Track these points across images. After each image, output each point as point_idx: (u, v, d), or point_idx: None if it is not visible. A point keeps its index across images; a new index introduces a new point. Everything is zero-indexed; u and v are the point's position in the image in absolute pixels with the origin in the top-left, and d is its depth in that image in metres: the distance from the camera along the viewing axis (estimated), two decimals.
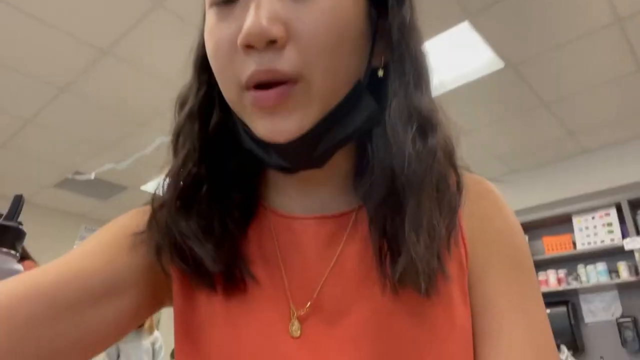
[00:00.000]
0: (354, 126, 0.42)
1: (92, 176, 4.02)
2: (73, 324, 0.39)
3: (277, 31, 0.37)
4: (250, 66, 0.38)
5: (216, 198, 0.45)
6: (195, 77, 0.47)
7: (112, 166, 3.87)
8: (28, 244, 2.35)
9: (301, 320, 0.43)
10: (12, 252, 0.52)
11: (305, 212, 0.47)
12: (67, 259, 0.43)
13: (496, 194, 0.50)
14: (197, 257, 0.43)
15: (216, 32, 0.40)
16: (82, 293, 0.40)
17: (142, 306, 0.46)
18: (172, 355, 3.73)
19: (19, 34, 2.57)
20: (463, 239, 0.45)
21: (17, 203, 0.55)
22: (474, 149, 3.75)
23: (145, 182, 4.46)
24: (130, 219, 0.48)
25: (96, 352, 0.43)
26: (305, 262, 0.45)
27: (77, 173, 4.22)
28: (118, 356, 3.91)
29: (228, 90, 0.42)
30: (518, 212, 3.83)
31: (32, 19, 2.45)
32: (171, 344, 4.10)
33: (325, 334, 0.42)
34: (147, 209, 0.47)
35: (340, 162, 0.46)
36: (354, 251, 0.44)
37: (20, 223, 0.55)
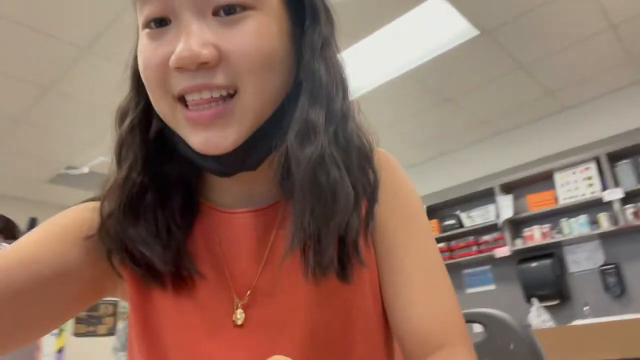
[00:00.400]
0: (281, 134, 0.47)
1: (86, 170, 4.08)
2: (17, 307, 0.43)
3: (207, 53, 0.41)
4: (182, 83, 0.42)
5: (160, 203, 0.49)
6: (133, 91, 0.51)
7: (103, 159, 3.93)
8: None
9: (244, 308, 0.48)
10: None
11: (241, 207, 0.51)
12: (16, 246, 0.46)
13: (391, 162, 0.57)
14: (147, 259, 0.47)
15: (148, 53, 0.44)
16: (28, 280, 0.44)
17: (85, 296, 0.50)
18: None
19: (1, 37, 2.60)
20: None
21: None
22: (458, 115, 3.85)
23: None
24: (79, 213, 0.52)
25: (40, 335, 0.47)
26: (244, 253, 0.50)
27: (70, 167, 4.27)
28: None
29: (161, 105, 0.45)
30: (504, 172, 3.96)
31: (13, 23, 2.48)
32: None
33: (265, 321, 0.48)
34: (93, 206, 0.51)
35: (272, 161, 0.48)
36: (283, 241, 0.47)
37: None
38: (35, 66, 2.88)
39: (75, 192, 4.76)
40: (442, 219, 4.26)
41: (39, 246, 0.46)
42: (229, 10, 0.42)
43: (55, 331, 2.26)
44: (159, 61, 0.43)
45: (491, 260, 3.96)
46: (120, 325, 4.77)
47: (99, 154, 4.04)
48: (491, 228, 3.93)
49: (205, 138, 0.43)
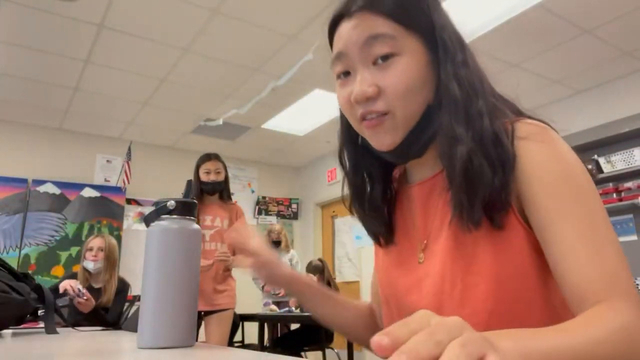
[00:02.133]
0: (431, 132, 0.66)
1: (221, 122, 4.52)
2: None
3: (371, 92, 0.63)
4: (360, 109, 0.65)
5: (372, 193, 0.75)
6: (340, 120, 0.76)
7: (235, 111, 4.31)
8: (181, 181, 2.83)
9: (423, 251, 0.69)
10: (192, 218, 0.80)
11: (418, 181, 0.73)
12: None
13: (540, 131, 0.63)
14: (375, 231, 0.76)
15: (341, 95, 0.68)
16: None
17: None
18: (307, 269, 4.26)
19: (138, 2, 2.94)
20: (515, 181, 0.60)
21: (190, 186, 0.85)
22: (530, 77, 3.46)
23: (264, 121, 4.87)
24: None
25: None
26: (420, 214, 0.72)
27: (208, 120, 4.76)
28: None
29: (353, 125, 0.69)
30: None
31: None
32: (305, 260, 4.64)
33: (434, 259, 0.67)
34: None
35: (433, 153, 0.69)
36: (447, 207, 0.65)
37: (193, 199, 0.82)
38: (173, 30, 3.22)
39: (214, 140, 5.31)
40: None
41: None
42: (383, 59, 0.63)
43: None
44: (346, 99, 0.66)
45: (634, 208, 3.58)
46: None
47: (232, 107, 4.43)
48: (635, 174, 3.53)
49: (376, 140, 0.66)
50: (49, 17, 3.06)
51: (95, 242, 2.92)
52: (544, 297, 0.59)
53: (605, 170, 3.74)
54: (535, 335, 0.41)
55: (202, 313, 2.83)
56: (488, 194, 0.58)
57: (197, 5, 2.95)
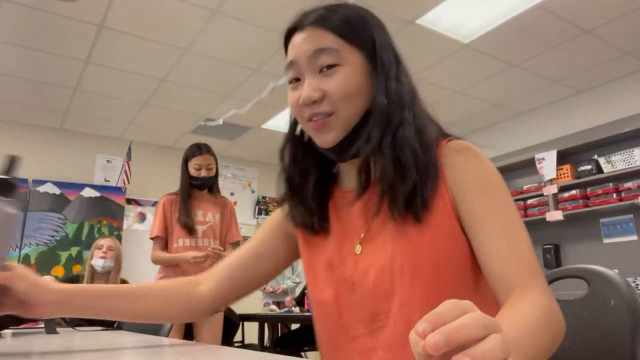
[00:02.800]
0: (368, 136, 0.74)
1: (221, 122, 4.51)
2: (252, 270, 0.89)
3: (317, 95, 0.73)
4: (308, 111, 0.74)
5: (305, 187, 0.81)
6: (290, 118, 0.84)
7: (235, 111, 4.31)
8: (178, 179, 2.79)
9: (361, 244, 0.77)
10: (5, 198, 0.68)
11: (353, 186, 0.80)
12: (249, 244, 0.91)
13: (467, 148, 0.74)
14: (303, 221, 0.82)
15: (291, 97, 0.77)
16: (255, 258, 0.90)
17: (286, 259, 0.91)
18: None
19: (138, 3, 2.94)
20: (445, 184, 0.71)
21: (11, 162, 0.72)
22: (530, 77, 3.46)
23: (264, 121, 4.87)
24: (277, 213, 0.90)
25: (264, 283, 0.92)
26: (355, 214, 0.79)
27: (208, 120, 4.76)
28: None
29: (302, 124, 0.79)
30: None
31: None
32: None
33: (371, 250, 0.75)
34: (282, 209, 0.87)
35: (366, 157, 0.76)
36: (377, 202, 0.74)
37: (13, 177, 0.71)
38: (173, 30, 3.22)
39: (214, 140, 5.30)
40: (576, 164, 3.93)
41: (259, 240, 0.91)
42: (328, 67, 0.73)
43: None
44: (296, 101, 0.75)
45: (634, 208, 3.58)
46: None
47: (232, 107, 4.43)
48: (635, 174, 3.53)
49: (319, 138, 0.75)
50: (49, 17, 3.06)
51: (105, 241, 2.90)
52: (474, 281, 0.71)
53: (605, 170, 3.74)
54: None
55: None
56: (408, 192, 0.69)
57: (197, 5, 2.95)
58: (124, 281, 2.91)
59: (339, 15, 0.75)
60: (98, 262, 2.81)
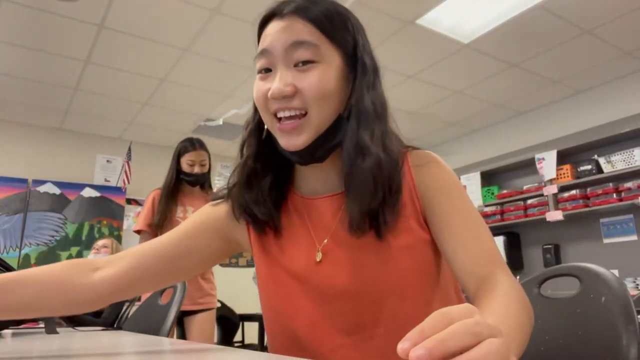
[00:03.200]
0: (337, 140, 0.73)
1: (221, 122, 4.51)
2: (169, 264, 0.81)
3: (288, 90, 0.68)
4: (275, 105, 0.70)
5: (262, 182, 0.78)
6: (252, 110, 0.80)
7: (235, 111, 4.31)
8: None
9: (322, 252, 0.75)
10: None
11: (318, 195, 0.78)
12: (171, 235, 0.83)
13: (434, 158, 0.77)
14: (254, 213, 0.77)
15: (258, 88, 0.72)
16: (176, 251, 0.82)
17: (215, 258, 0.86)
18: None
19: (138, 3, 2.94)
20: (416, 192, 0.74)
21: None
22: (530, 77, 3.47)
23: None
24: (211, 209, 0.85)
25: (184, 279, 0.86)
26: (320, 223, 0.77)
27: (208, 120, 4.76)
28: None
29: (265, 119, 0.74)
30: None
31: None
32: None
33: (333, 259, 0.74)
34: (217, 204, 0.84)
35: (335, 160, 0.75)
36: (340, 212, 0.75)
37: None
38: (173, 30, 3.22)
39: (214, 140, 5.30)
40: (576, 164, 3.93)
41: (184, 236, 0.83)
42: (304, 63, 0.69)
43: None
44: (263, 93, 0.71)
45: (634, 208, 3.58)
46: None
47: (232, 107, 4.43)
48: (635, 174, 3.53)
49: (288, 140, 0.71)
50: (49, 17, 3.06)
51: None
52: (436, 281, 0.75)
53: (605, 170, 3.74)
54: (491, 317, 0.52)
55: (182, 314, 2.48)
56: (373, 206, 0.69)
57: (197, 5, 2.95)
58: None
59: (321, 9, 0.71)
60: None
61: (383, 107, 0.74)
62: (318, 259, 0.74)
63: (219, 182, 5.92)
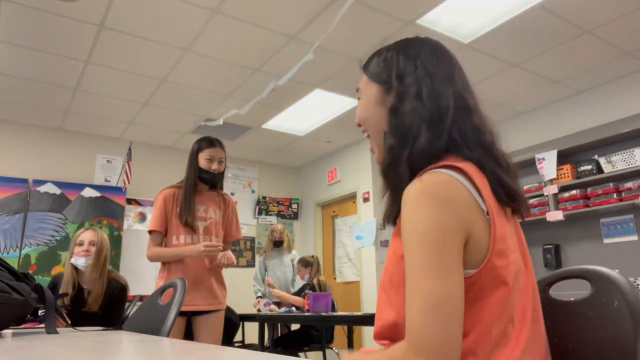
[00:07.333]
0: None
1: (221, 122, 4.51)
2: None
3: (357, 120, 0.97)
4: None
5: None
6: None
7: (235, 111, 4.31)
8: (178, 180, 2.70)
9: None
10: None
11: None
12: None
13: (408, 196, 0.77)
14: None
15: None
16: None
17: None
18: (298, 261, 4.42)
19: (138, 3, 2.94)
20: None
21: None
22: (530, 77, 3.44)
23: (264, 121, 4.87)
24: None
25: None
26: None
27: (208, 120, 4.76)
28: (266, 270, 4.60)
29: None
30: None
31: None
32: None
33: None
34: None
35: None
36: None
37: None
38: (173, 30, 3.22)
39: None
40: (577, 164, 3.93)
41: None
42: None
43: None
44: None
45: (635, 208, 3.58)
46: (258, 258, 5.33)
47: (232, 107, 4.43)
48: (635, 174, 3.53)
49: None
50: (49, 17, 3.06)
51: (86, 236, 2.58)
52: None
53: (605, 170, 3.74)
54: None
55: (190, 313, 2.40)
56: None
57: (197, 5, 2.95)
58: (117, 281, 2.64)
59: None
60: (79, 260, 2.51)
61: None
62: None
63: (233, 183, 5.93)
